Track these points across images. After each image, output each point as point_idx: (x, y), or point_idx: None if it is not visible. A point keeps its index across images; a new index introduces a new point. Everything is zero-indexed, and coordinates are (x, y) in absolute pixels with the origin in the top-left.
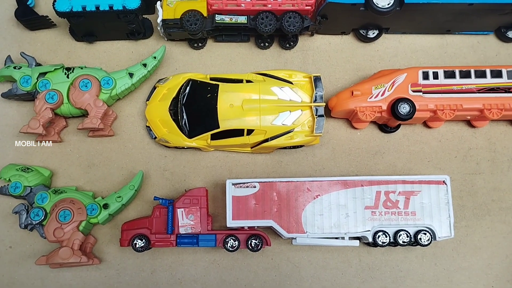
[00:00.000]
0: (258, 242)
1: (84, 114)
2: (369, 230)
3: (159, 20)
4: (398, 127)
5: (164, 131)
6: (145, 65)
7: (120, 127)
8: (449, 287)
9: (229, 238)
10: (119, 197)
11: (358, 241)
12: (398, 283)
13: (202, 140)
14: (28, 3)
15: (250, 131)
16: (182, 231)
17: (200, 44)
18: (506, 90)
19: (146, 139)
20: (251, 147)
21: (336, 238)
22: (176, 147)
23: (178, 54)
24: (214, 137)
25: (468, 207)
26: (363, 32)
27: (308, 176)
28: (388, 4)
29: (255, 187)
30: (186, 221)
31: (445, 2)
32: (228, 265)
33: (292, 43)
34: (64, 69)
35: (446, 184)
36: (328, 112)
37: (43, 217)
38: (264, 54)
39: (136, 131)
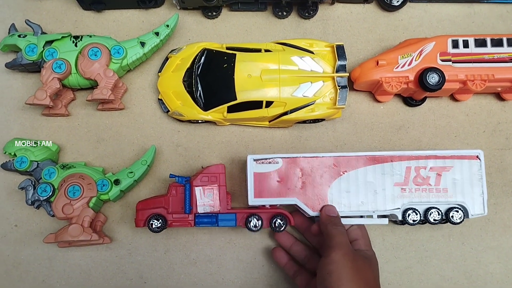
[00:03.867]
0: (282, 222)
1: (93, 86)
2: (398, 208)
3: None
4: (423, 100)
5: (178, 103)
6: (157, 33)
7: (130, 101)
8: (477, 267)
9: (252, 217)
10: (131, 172)
11: (387, 219)
12: (424, 263)
13: (218, 113)
14: None
15: (269, 103)
16: (200, 210)
17: (214, 13)
18: None
19: (158, 113)
20: (269, 121)
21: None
22: (190, 121)
23: (191, 23)
24: (230, 109)
25: (497, 184)
26: (387, 0)
27: (329, 151)
28: None
29: (277, 163)
30: (205, 200)
31: None
32: (245, 244)
33: (311, 12)
34: (72, 38)
35: (479, 159)
36: (350, 85)
37: (51, 193)
38: (282, 23)
39: (147, 104)
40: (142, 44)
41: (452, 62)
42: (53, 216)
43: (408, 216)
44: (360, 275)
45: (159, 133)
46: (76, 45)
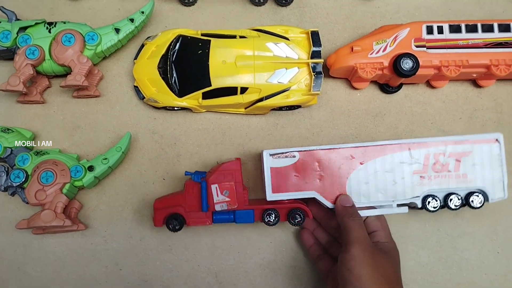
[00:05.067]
0: (300, 218)
1: (68, 73)
2: (418, 196)
3: None
4: (400, 87)
5: (153, 90)
6: (132, 20)
7: (106, 88)
8: (452, 253)
9: (270, 212)
10: (105, 159)
11: (406, 207)
12: (399, 249)
13: (193, 99)
14: None
15: (244, 90)
16: (217, 208)
17: (191, 0)
18: None
19: (134, 100)
20: (245, 108)
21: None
22: (166, 109)
23: (168, 11)
24: (206, 96)
25: None
26: None
27: (305, 138)
28: None
29: (294, 156)
30: (221, 197)
31: None
32: (221, 230)
33: None
34: (46, 24)
35: (499, 142)
36: (326, 72)
37: (24, 179)
38: (259, 11)
39: (123, 92)
40: (117, 30)
41: (427, 48)
42: (27, 203)
43: (428, 204)
44: (380, 272)
45: (135, 120)
46: (50, 32)
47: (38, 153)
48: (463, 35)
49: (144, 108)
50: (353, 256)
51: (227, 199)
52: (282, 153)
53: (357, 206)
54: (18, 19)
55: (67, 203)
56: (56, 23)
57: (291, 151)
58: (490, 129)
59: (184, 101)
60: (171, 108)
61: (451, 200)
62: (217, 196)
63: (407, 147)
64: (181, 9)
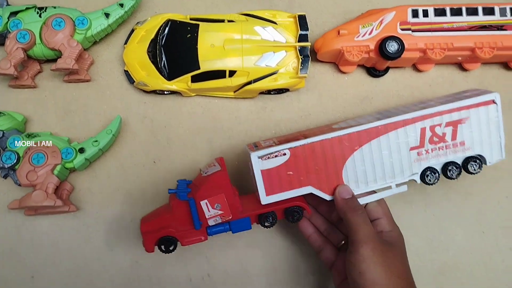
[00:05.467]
0: (299, 214)
1: (59, 57)
2: (416, 173)
3: None
4: (386, 70)
5: (143, 74)
6: (122, 5)
7: (97, 73)
8: (438, 233)
9: (266, 216)
10: (96, 141)
11: (406, 186)
12: None
13: (182, 82)
14: None
15: (232, 73)
16: (211, 223)
17: None
18: (499, 27)
19: (124, 84)
20: (234, 91)
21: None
22: (156, 93)
23: None
24: (194, 79)
25: None
26: None
27: (294, 122)
28: None
29: (285, 154)
30: (213, 212)
31: None
32: None
33: None
34: (37, 9)
35: (496, 103)
36: (314, 56)
37: (15, 161)
38: None
39: (114, 76)
40: (107, 15)
41: (412, 31)
42: (20, 185)
43: (426, 178)
44: (392, 270)
45: (126, 105)
46: (40, 16)
47: (30, 135)
48: (448, 18)
49: (135, 92)
50: (363, 257)
51: (220, 212)
52: (272, 153)
53: (356, 193)
54: (9, 5)
55: (58, 184)
56: (46, 8)
57: (281, 149)
58: None
59: (173, 85)
60: (161, 92)
61: (449, 171)
62: (209, 211)
63: (402, 124)
64: None
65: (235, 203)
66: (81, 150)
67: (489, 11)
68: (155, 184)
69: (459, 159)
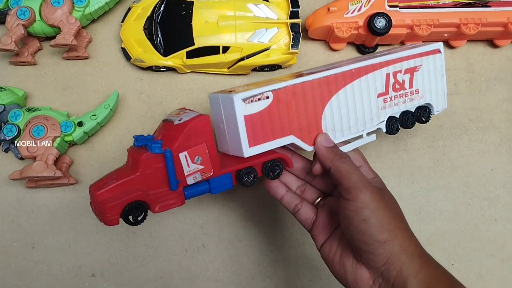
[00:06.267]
0: (280, 169)
1: (58, 34)
2: (383, 121)
3: None
4: (376, 47)
5: (139, 50)
6: None
7: (95, 50)
8: (426, 205)
9: (248, 171)
10: (94, 115)
11: (374, 135)
12: None
13: (178, 58)
14: None
15: (226, 49)
16: (190, 181)
17: None
18: (483, 4)
19: (122, 61)
20: (228, 68)
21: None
22: (152, 69)
23: None
24: (189, 55)
25: (446, 127)
26: None
27: None
28: None
29: (268, 97)
30: (194, 167)
31: None
32: None
33: None
34: None
35: (441, 52)
36: (306, 34)
37: (16, 133)
38: None
39: (111, 54)
40: None
41: (399, 8)
42: (21, 158)
43: (392, 127)
44: (394, 214)
45: (123, 81)
46: None
47: (30, 109)
48: None
49: (131, 69)
50: (365, 203)
51: (200, 167)
52: (255, 95)
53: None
54: None
55: (58, 156)
56: None
57: (264, 91)
58: (462, 88)
59: (169, 60)
60: (157, 69)
61: (408, 119)
62: (188, 166)
63: (371, 68)
64: None
65: (216, 156)
66: (80, 124)
67: None
68: None
69: (412, 107)
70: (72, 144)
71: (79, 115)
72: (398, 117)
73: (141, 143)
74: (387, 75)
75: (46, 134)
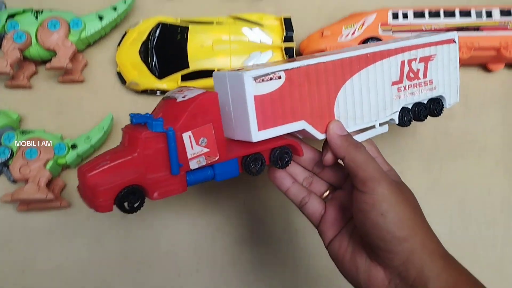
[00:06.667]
0: (289, 157)
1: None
2: (397, 111)
3: None
4: None
5: (135, 73)
6: (115, 8)
7: (90, 74)
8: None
9: (256, 158)
10: (88, 138)
11: (387, 126)
12: None
13: (173, 81)
14: None
15: None
16: (193, 165)
17: None
18: (475, 28)
19: (117, 85)
20: None
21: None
22: (147, 93)
23: (149, 3)
24: (184, 78)
25: (441, 150)
26: None
27: None
28: None
29: (280, 77)
30: (198, 149)
31: None
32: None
33: None
34: (34, 12)
35: (455, 42)
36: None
37: (9, 156)
38: (237, 3)
39: (107, 78)
40: (100, 18)
41: (393, 32)
42: (13, 182)
43: (405, 118)
44: (413, 209)
45: (118, 105)
46: (36, 18)
47: (24, 132)
48: (427, 20)
49: (127, 93)
50: (383, 196)
51: (205, 149)
52: (267, 74)
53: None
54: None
55: (51, 179)
56: (43, 10)
57: (276, 71)
58: (458, 111)
59: (164, 83)
60: (153, 93)
61: (421, 111)
62: (192, 148)
63: (387, 54)
64: (163, 1)
65: (223, 138)
66: (74, 146)
67: (466, 13)
68: None
69: (425, 99)
70: (66, 167)
71: (73, 138)
72: (410, 108)
73: (139, 121)
74: (402, 63)
75: (39, 156)
